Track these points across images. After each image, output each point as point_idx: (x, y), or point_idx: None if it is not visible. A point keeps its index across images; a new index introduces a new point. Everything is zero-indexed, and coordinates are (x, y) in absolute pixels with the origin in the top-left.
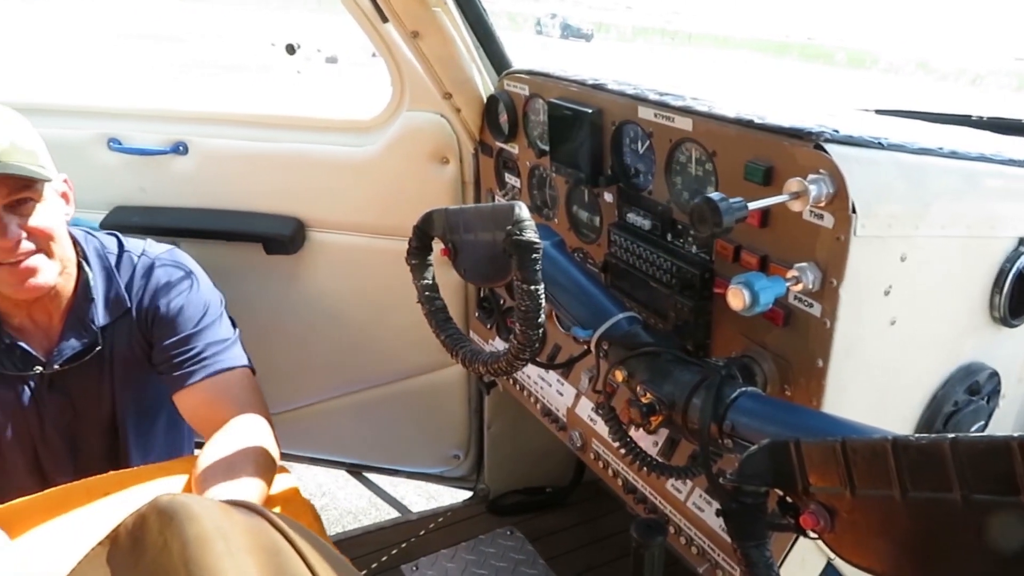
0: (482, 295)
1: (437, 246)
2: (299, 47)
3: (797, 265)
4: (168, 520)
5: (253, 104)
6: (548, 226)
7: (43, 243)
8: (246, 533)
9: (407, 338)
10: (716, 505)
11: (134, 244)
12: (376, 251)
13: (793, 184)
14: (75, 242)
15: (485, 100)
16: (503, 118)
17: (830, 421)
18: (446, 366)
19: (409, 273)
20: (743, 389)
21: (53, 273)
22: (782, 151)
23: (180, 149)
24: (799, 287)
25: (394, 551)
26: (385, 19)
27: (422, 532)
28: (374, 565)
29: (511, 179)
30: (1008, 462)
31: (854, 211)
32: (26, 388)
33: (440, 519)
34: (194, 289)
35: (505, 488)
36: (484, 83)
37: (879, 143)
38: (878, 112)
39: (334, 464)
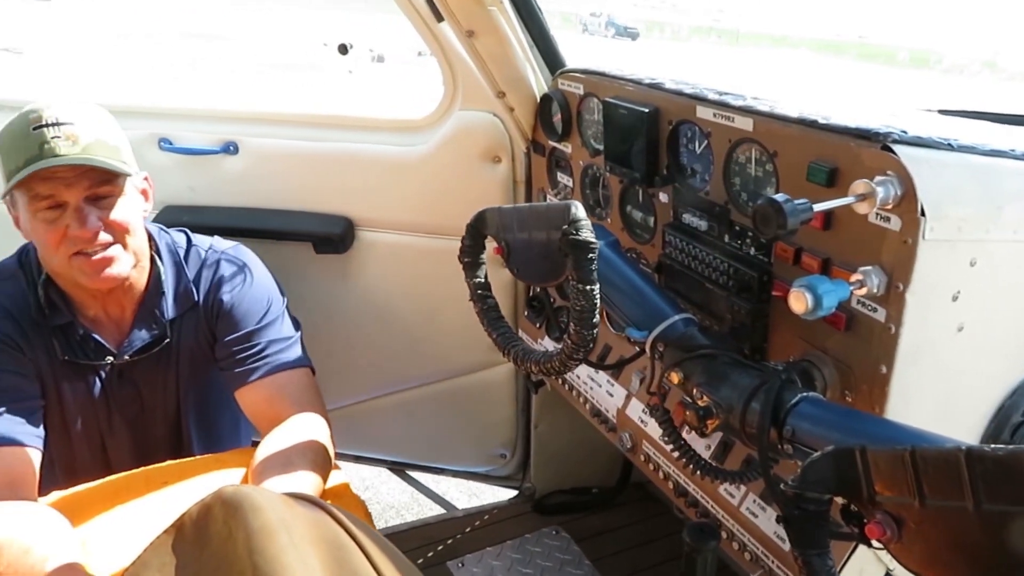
0: (531, 294)
1: (490, 245)
2: (351, 47)
3: (861, 268)
4: (233, 511)
5: (303, 104)
6: (603, 226)
7: (120, 236)
8: (308, 525)
9: (454, 337)
10: (771, 511)
11: (202, 240)
12: (426, 250)
13: (860, 186)
14: (149, 237)
15: (539, 99)
16: (557, 117)
17: (897, 429)
18: (493, 365)
19: (458, 272)
20: (804, 394)
21: (128, 265)
22: (848, 152)
23: (230, 149)
24: (863, 291)
25: (440, 547)
26: (440, 18)
27: (468, 529)
28: (420, 561)
29: (563, 178)
30: None
31: (923, 214)
32: (97, 379)
33: (486, 517)
34: (257, 285)
35: (551, 488)
36: (538, 82)
37: (948, 144)
38: (942, 112)
39: (380, 462)
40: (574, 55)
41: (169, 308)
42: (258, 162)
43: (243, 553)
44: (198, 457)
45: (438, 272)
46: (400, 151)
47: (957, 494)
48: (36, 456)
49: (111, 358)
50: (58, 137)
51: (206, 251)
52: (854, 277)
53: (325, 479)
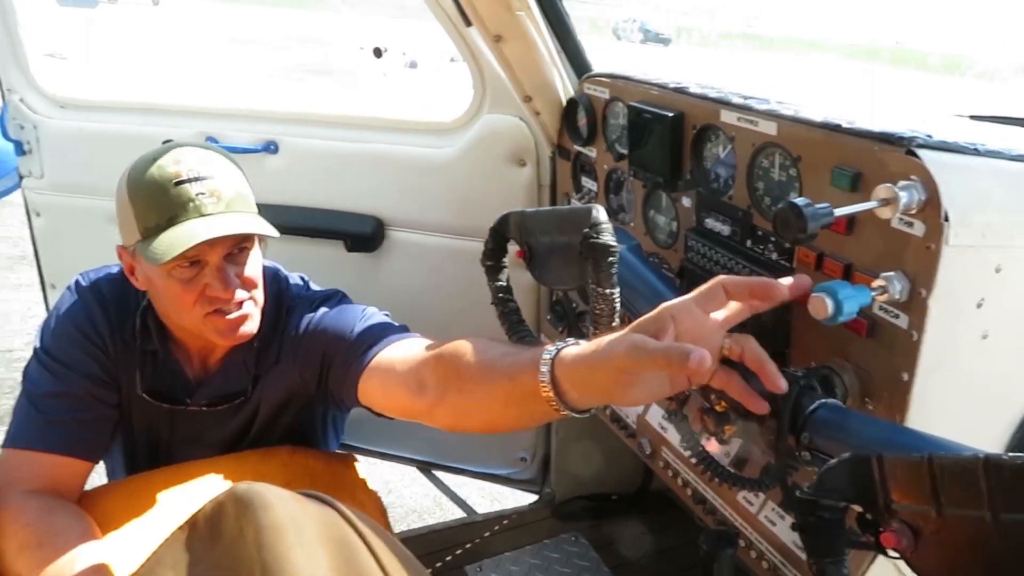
0: (554, 298)
1: (512, 248)
2: (386, 50)
3: (884, 274)
4: (244, 508)
5: (341, 105)
6: (624, 230)
7: (253, 291)
8: (318, 524)
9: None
10: (789, 519)
11: (314, 289)
12: (452, 251)
13: (883, 190)
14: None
15: (564, 103)
16: (582, 121)
17: (915, 437)
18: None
19: (484, 273)
20: (823, 401)
21: (258, 321)
22: (871, 156)
23: (271, 148)
24: (885, 297)
25: (458, 551)
26: (468, 23)
27: (487, 534)
28: (438, 564)
29: (588, 183)
30: None
31: (947, 219)
32: (167, 415)
33: (505, 521)
34: (344, 302)
35: (571, 493)
36: (564, 86)
37: (975, 149)
38: (973, 118)
39: (403, 460)
40: (606, 61)
41: (258, 361)
42: (296, 161)
43: (252, 550)
44: (223, 456)
45: (464, 273)
46: (429, 152)
47: (975, 503)
48: (87, 469)
49: (188, 400)
50: (203, 194)
51: (307, 300)
52: (876, 283)
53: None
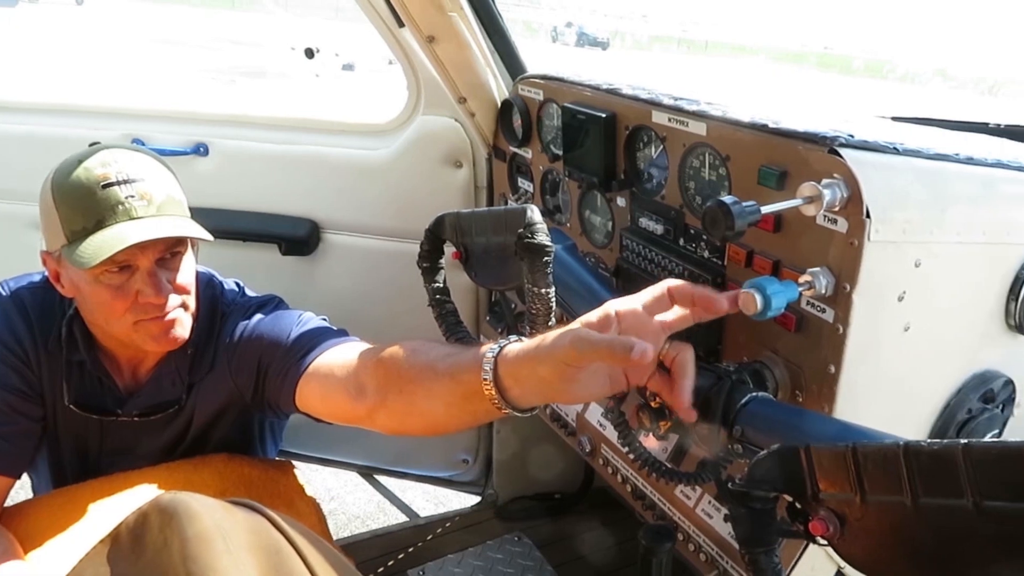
0: (493, 299)
1: (449, 249)
2: (318, 51)
3: (810, 270)
4: (169, 518)
5: (273, 107)
6: (560, 230)
7: (185, 296)
8: (247, 532)
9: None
10: (725, 511)
11: (248, 295)
12: (389, 253)
13: (807, 188)
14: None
15: (499, 105)
16: (517, 123)
17: (841, 427)
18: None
19: (420, 275)
20: (754, 394)
21: (189, 326)
22: (796, 156)
23: (201, 150)
24: (812, 292)
25: (401, 555)
26: (401, 24)
27: (430, 537)
28: (381, 569)
29: (524, 183)
30: (1021, 469)
31: (868, 216)
32: (96, 426)
33: (448, 524)
34: (280, 312)
35: (514, 494)
36: (499, 88)
37: (894, 148)
38: (895, 119)
39: (345, 466)
40: (543, 64)
41: (192, 369)
42: (228, 164)
43: (177, 561)
44: (154, 467)
45: (402, 275)
46: (364, 154)
47: (896, 489)
48: (7, 485)
49: (119, 411)
50: (132, 196)
51: (243, 306)
52: (803, 278)
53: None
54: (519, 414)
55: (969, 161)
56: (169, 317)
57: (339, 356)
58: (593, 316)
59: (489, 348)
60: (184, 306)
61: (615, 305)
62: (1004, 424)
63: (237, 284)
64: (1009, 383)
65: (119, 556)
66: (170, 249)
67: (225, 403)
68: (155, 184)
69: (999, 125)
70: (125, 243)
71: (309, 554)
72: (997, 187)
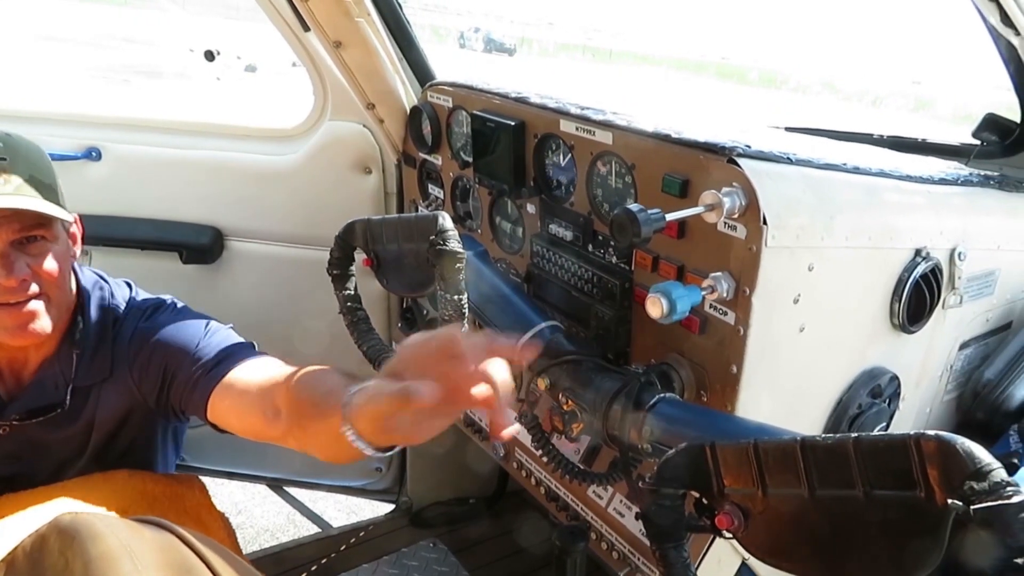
0: (405, 306)
1: (359, 256)
2: (218, 54)
3: (712, 275)
4: (70, 540)
5: (171, 110)
6: (471, 236)
7: (48, 287)
8: (155, 551)
9: (327, 349)
10: (636, 510)
11: (142, 298)
12: (297, 261)
13: (708, 196)
14: (79, 287)
15: (408, 111)
16: (426, 129)
17: (744, 424)
18: (367, 378)
19: (329, 283)
20: (661, 395)
21: (51, 322)
22: (698, 165)
23: (93, 155)
24: (714, 296)
25: (313, 567)
26: (307, 28)
27: (343, 547)
28: None
29: (434, 190)
30: (906, 459)
31: (765, 223)
32: None
33: (361, 533)
34: (184, 318)
35: (428, 500)
36: (407, 94)
37: (788, 158)
38: (788, 129)
39: (254, 479)
40: (450, 70)
41: (80, 373)
42: (123, 169)
43: None
44: (50, 486)
45: (309, 283)
46: (270, 160)
47: (795, 482)
48: None
49: None
50: None
51: (138, 312)
52: (705, 283)
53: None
54: (380, 454)
55: (855, 170)
56: (26, 308)
57: (252, 374)
58: (393, 361)
59: (348, 391)
60: (45, 296)
61: (405, 346)
62: (891, 417)
63: (128, 284)
64: (895, 379)
65: None
66: (27, 232)
67: (128, 409)
68: (19, 166)
69: (882, 136)
70: None
71: (222, 570)
72: (881, 195)
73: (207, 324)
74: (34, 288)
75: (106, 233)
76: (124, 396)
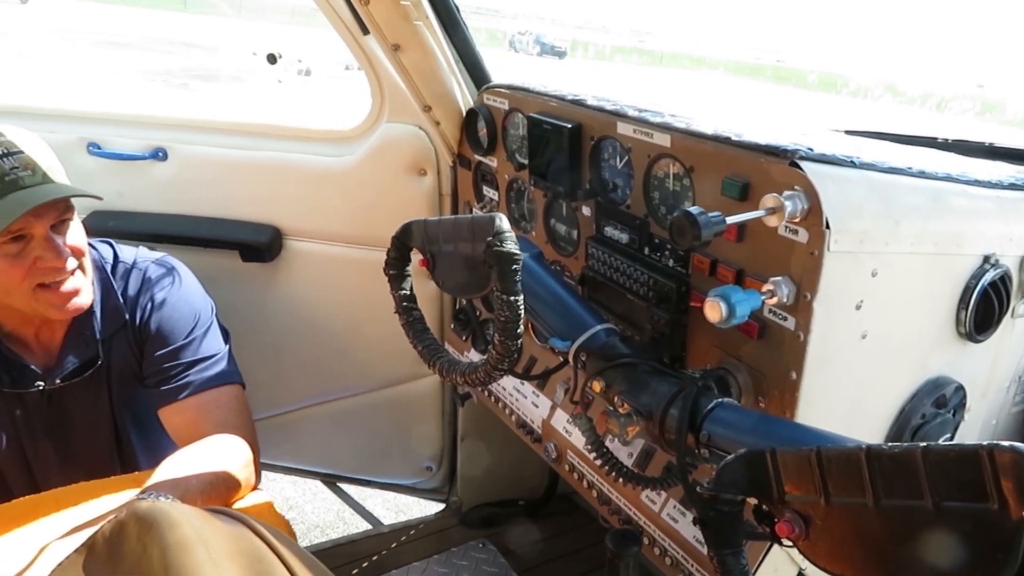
0: (457, 307)
1: (415, 257)
2: (280, 56)
3: (772, 279)
4: (148, 527)
5: (234, 112)
6: (526, 238)
7: (80, 260)
8: (228, 540)
9: (381, 348)
10: (690, 516)
11: (127, 252)
12: (352, 261)
13: (769, 200)
14: None
15: (464, 113)
16: (482, 131)
17: (804, 431)
18: (420, 377)
19: (384, 283)
20: (719, 400)
21: (90, 290)
22: (758, 168)
23: (160, 155)
24: (774, 300)
25: (365, 564)
26: (366, 31)
27: (393, 544)
28: None
29: (489, 192)
30: (977, 470)
31: (828, 227)
32: (24, 403)
33: (412, 531)
34: (184, 298)
35: (478, 500)
36: (464, 97)
37: (852, 162)
38: (848, 132)
39: (306, 474)
40: (504, 73)
41: (99, 328)
42: (187, 169)
43: (158, 569)
44: (112, 478)
45: (365, 282)
46: (328, 161)
47: (859, 491)
48: None
49: (40, 383)
50: (17, 168)
51: (131, 264)
52: (765, 287)
53: (222, 502)
54: None
55: (921, 175)
56: (70, 285)
57: (200, 411)
58: None
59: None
60: (81, 268)
61: None
62: (956, 428)
63: (109, 244)
64: (960, 389)
65: (96, 566)
66: (62, 215)
67: (135, 355)
68: (36, 154)
69: (947, 140)
70: (22, 210)
71: (292, 562)
72: (947, 200)
73: (196, 323)
74: (72, 263)
75: (169, 231)
76: (132, 342)
